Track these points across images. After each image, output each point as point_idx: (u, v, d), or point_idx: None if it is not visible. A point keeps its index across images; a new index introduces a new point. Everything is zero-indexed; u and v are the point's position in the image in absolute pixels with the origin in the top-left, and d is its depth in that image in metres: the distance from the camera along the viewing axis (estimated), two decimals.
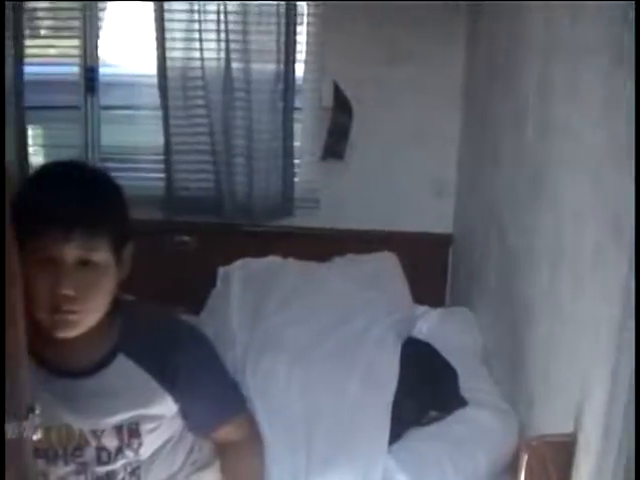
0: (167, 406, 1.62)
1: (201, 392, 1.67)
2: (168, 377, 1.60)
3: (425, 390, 2.27)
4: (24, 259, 1.29)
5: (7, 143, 3.30)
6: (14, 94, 3.34)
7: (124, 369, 1.57)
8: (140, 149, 3.61)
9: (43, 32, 3.73)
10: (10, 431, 1.04)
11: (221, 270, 2.68)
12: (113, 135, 3.59)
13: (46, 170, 1.64)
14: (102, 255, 1.48)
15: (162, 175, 3.46)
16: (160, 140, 3.43)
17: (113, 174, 1.64)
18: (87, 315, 1.49)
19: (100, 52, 3.51)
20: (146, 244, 3.40)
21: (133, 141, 3.63)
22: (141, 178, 3.57)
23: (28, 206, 1.40)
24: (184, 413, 1.68)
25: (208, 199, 3.45)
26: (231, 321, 2.38)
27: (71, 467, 1.61)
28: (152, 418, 1.60)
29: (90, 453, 1.60)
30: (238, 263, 2.69)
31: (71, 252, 1.45)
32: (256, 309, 2.42)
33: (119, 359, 1.58)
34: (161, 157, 3.46)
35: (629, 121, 1.19)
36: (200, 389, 1.66)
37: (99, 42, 3.49)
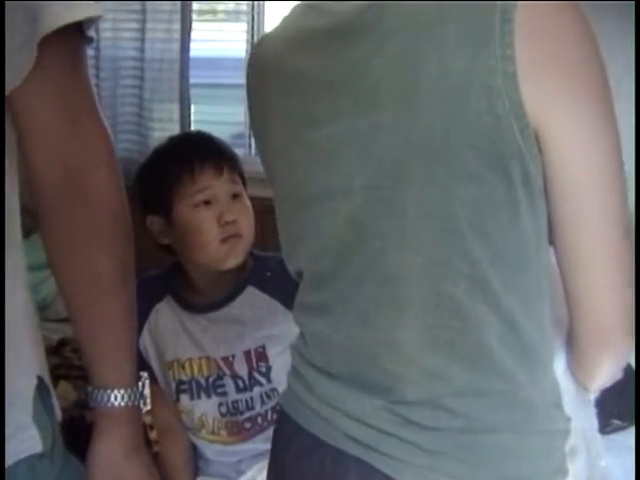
0: (290, 325, 1.68)
1: None
2: (290, 298, 1.68)
3: (609, 397, 2.03)
4: (185, 211, 1.65)
5: (172, 119, 3.32)
6: (180, 71, 3.34)
7: (252, 297, 1.72)
8: None
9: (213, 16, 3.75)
10: (119, 399, 1.08)
11: None
12: None
13: (178, 136, 2.08)
14: (242, 189, 1.72)
15: None
16: None
17: None
18: (246, 240, 1.69)
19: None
20: None
21: None
22: None
23: (181, 158, 1.68)
24: None
25: None
26: None
27: (213, 399, 1.74)
28: (278, 339, 1.69)
29: (229, 382, 1.73)
30: None
31: (224, 185, 1.67)
32: None
33: (248, 290, 1.73)
34: None
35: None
36: None
37: (265, 23, 3.53)
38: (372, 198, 0.90)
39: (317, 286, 1.01)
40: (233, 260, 1.68)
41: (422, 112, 0.84)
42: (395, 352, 0.91)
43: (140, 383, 1.13)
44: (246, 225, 1.68)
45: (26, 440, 1.02)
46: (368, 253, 0.91)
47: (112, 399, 1.07)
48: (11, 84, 0.94)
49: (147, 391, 1.13)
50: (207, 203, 1.66)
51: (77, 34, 0.98)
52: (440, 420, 0.90)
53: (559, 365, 0.96)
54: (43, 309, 2.58)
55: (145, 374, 1.63)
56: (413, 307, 0.90)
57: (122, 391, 1.07)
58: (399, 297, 0.90)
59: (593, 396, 1.11)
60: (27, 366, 1.04)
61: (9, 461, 1.00)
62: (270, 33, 1.06)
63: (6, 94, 0.95)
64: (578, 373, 0.97)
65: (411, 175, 0.86)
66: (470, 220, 0.85)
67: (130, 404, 1.08)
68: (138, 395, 1.10)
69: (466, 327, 0.88)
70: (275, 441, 1.11)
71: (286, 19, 1.03)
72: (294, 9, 1.03)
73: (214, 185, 1.66)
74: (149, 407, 1.13)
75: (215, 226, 1.65)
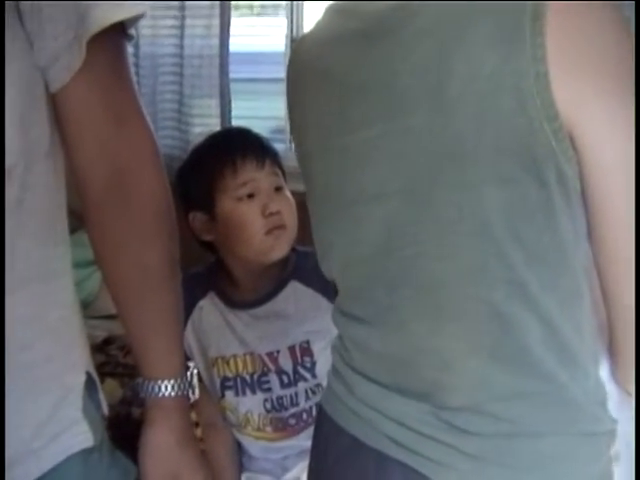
0: None
1: None
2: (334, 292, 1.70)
3: None
4: (229, 204, 1.66)
5: (212, 115, 3.33)
6: (219, 67, 3.36)
7: (295, 292, 1.73)
8: None
9: (252, 11, 3.77)
10: (169, 389, 1.09)
11: None
12: None
13: (218, 132, 2.18)
14: (284, 182, 1.72)
15: None
16: None
17: None
18: (290, 232, 1.69)
19: (306, 27, 3.49)
20: None
21: None
22: None
23: (223, 152, 1.70)
24: None
25: None
26: None
27: (258, 396, 1.75)
28: (322, 334, 1.67)
29: (273, 378, 1.74)
30: None
31: (267, 177, 1.69)
32: None
33: (291, 284, 1.74)
34: None
35: None
36: None
37: (304, 18, 3.51)
38: (406, 202, 0.89)
39: (352, 293, 1.01)
40: (278, 252, 1.68)
41: (453, 116, 0.84)
42: (435, 359, 0.91)
43: (189, 373, 1.13)
44: (290, 217, 1.69)
45: (78, 434, 1.04)
46: (403, 259, 0.91)
47: (162, 389, 1.08)
48: (60, 82, 0.95)
49: (195, 380, 1.14)
50: (250, 196, 1.67)
51: (120, 32, 0.99)
52: (484, 425, 0.89)
53: (603, 370, 0.95)
54: (86, 306, 2.60)
55: (193, 364, 1.66)
56: (452, 313, 0.89)
57: (172, 381, 1.08)
58: (437, 303, 0.90)
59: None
60: (77, 362, 1.06)
61: (62, 455, 1.02)
62: (307, 35, 1.07)
63: (53, 92, 0.96)
64: (619, 377, 0.96)
65: (444, 179, 0.86)
66: (505, 224, 0.84)
67: (180, 394, 1.09)
68: (187, 385, 1.11)
69: (506, 330, 0.87)
70: (315, 440, 1.11)
71: (319, 22, 1.03)
72: (326, 12, 1.03)
73: (257, 178, 1.67)
74: (197, 396, 1.13)
75: (259, 218, 1.66)
